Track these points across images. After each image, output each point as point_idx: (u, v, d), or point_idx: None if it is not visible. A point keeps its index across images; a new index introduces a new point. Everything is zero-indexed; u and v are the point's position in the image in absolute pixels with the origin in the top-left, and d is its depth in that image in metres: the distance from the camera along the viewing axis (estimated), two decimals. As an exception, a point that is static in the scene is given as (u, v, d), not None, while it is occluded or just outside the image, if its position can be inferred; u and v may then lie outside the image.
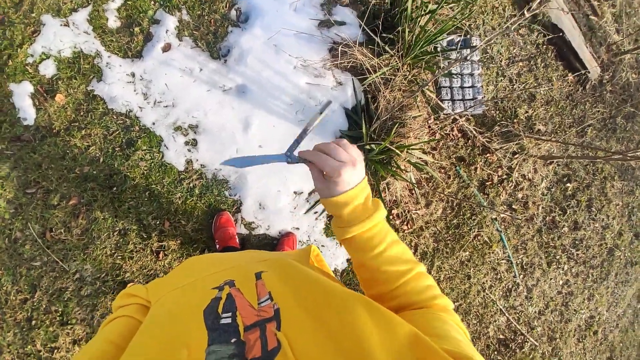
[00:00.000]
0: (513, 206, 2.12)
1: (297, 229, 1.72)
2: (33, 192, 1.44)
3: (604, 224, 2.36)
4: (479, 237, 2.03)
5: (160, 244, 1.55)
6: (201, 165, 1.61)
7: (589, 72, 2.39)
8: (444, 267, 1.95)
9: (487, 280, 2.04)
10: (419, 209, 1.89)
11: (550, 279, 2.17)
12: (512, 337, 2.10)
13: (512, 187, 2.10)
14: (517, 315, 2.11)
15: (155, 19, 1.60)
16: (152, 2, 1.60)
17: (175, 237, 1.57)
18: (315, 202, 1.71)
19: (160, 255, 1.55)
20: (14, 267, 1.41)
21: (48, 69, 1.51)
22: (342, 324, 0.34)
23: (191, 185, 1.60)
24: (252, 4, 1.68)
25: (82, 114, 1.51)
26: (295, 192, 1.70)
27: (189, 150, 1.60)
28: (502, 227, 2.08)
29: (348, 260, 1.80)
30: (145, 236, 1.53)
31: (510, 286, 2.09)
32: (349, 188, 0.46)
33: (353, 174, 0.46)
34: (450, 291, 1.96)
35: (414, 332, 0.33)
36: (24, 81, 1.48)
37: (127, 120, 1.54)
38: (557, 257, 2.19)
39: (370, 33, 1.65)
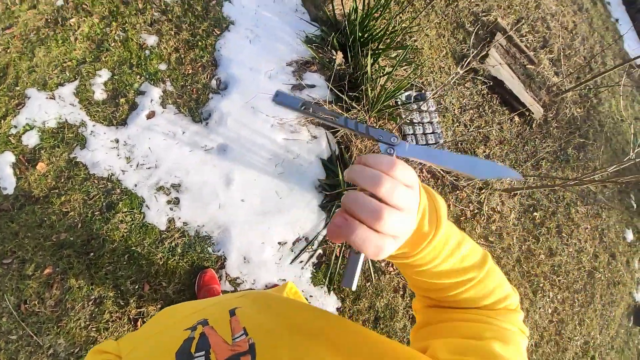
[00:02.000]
0: (489, 238, 2.21)
1: (284, 280, 1.70)
2: (9, 263, 1.38)
3: (577, 247, 2.49)
4: (463, 273, 2.06)
5: (139, 310, 1.47)
6: (183, 223, 1.62)
7: (532, 113, 2.74)
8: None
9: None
10: (401, 248, 1.94)
11: (540, 308, 2.19)
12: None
13: (484, 220, 2.22)
14: (514, 351, 2.06)
15: (141, 90, 1.74)
16: (138, 76, 1.75)
17: (155, 301, 1.50)
18: (300, 251, 1.73)
19: (139, 323, 1.46)
20: (-18, 346, 1.28)
21: (31, 139, 1.55)
22: (312, 350, 0.35)
23: (173, 244, 1.58)
24: (230, 74, 1.88)
25: (62, 180, 1.53)
26: (279, 243, 1.72)
27: (171, 209, 1.62)
28: (483, 260, 2.14)
29: (338, 309, 1.76)
30: (122, 303, 1.46)
31: (501, 320, 2.08)
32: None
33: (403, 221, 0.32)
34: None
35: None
36: (6, 151, 1.50)
37: (109, 183, 1.57)
38: (541, 285, 2.24)
39: (338, 93, 1.86)
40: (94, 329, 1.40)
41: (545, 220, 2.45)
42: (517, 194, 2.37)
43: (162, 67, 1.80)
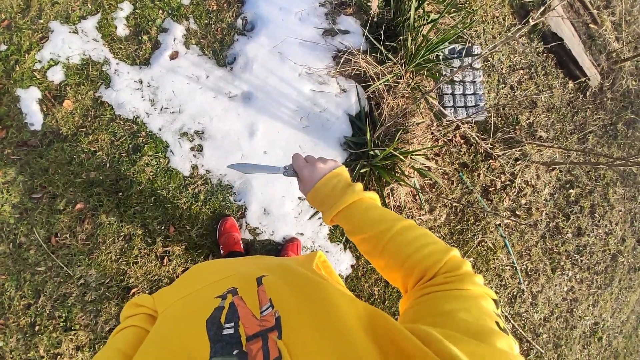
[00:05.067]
0: (516, 212, 2.12)
1: (302, 234, 1.72)
2: (39, 197, 1.45)
3: (607, 230, 2.36)
4: (483, 243, 2.02)
5: (165, 249, 1.55)
6: (206, 170, 1.62)
7: (589, 80, 2.42)
8: (448, 274, 1.94)
9: (492, 287, 2.03)
10: (423, 214, 1.89)
11: (555, 285, 2.16)
12: (518, 344, 2.08)
13: (515, 193, 2.10)
14: (523, 322, 2.09)
15: (164, 27, 1.63)
16: (160, 11, 1.63)
17: (179, 242, 1.57)
18: (320, 208, 1.72)
19: (165, 261, 1.55)
20: (18, 272, 1.41)
21: (56, 75, 1.53)
22: (336, 328, 0.35)
23: (196, 190, 1.60)
24: (258, 14, 1.71)
25: (89, 119, 1.53)
26: (299, 198, 1.71)
27: (195, 156, 1.61)
28: (506, 233, 2.08)
29: (352, 265, 1.80)
30: (150, 241, 1.53)
31: (515, 293, 2.07)
32: (312, 184, 0.59)
33: (313, 171, 0.60)
34: (455, 298, 1.95)
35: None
36: (32, 87, 1.50)
37: (134, 126, 1.56)
38: (562, 263, 2.18)
39: (374, 41, 1.68)
40: (124, 263, 1.50)
41: (581, 198, 2.29)
42: (556, 168, 2.20)
43: (185, 1, 1.66)
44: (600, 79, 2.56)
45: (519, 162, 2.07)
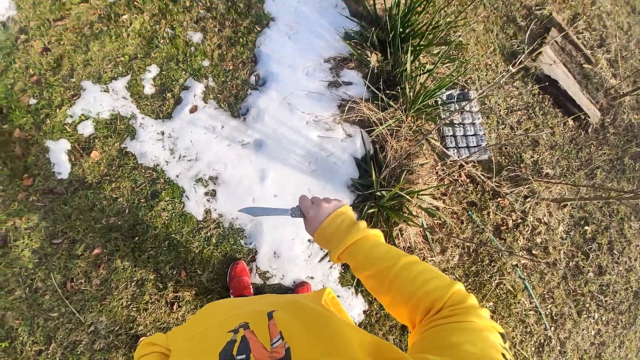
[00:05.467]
0: (533, 251, 2.06)
1: (312, 278, 1.70)
2: (59, 242, 1.51)
3: (627, 266, 2.24)
4: (501, 286, 1.94)
5: (176, 294, 1.55)
6: (219, 214, 1.68)
7: (588, 117, 2.49)
8: (467, 318, 1.84)
9: (516, 335, 1.90)
10: (435, 255, 1.86)
11: (582, 329, 2.01)
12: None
13: (528, 231, 2.06)
14: (554, 374, 1.91)
15: (186, 85, 1.82)
16: (183, 72, 1.83)
17: (190, 287, 1.58)
18: (329, 250, 1.72)
19: (175, 307, 1.54)
20: (32, 317, 1.42)
21: (86, 129, 1.68)
22: (344, 358, 0.37)
23: (209, 234, 1.65)
24: (269, 71, 1.90)
25: (113, 168, 1.64)
26: (309, 240, 1.72)
27: (208, 201, 1.68)
28: (525, 274, 2.00)
29: (365, 311, 1.74)
30: (161, 286, 1.54)
31: (542, 340, 1.93)
32: (318, 223, 0.63)
33: (318, 211, 0.63)
34: (476, 346, 1.83)
35: None
36: (62, 139, 1.64)
37: (154, 173, 1.66)
38: (587, 305, 2.05)
39: (375, 90, 1.81)
40: (134, 309, 1.50)
41: (597, 235, 2.23)
42: (567, 205, 2.17)
43: (206, 63, 1.86)
44: (601, 115, 2.62)
45: (528, 199, 2.06)
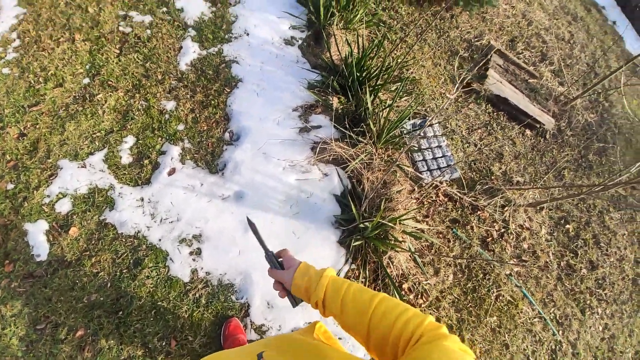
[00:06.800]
0: (523, 258, 2.08)
1: (309, 323, 1.64)
2: (42, 328, 1.43)
3: (619, 256, 2.29)
4: (500, 298, 1.93)
5: (167, 367, 1.45)
6: (206, 272, 1.64)
7: (543, 125, 2.70)
8: (476, 339, 1.79)
9: (527, 346, 1.85)
10: (428, 278, 1.85)
11: (590, 327, 1.99)
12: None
13: (514, 238, 2.11)
14: (575, 384, 1.83)
15: (162, 150, 1.88)
16: (159, 139, 1.91)
17: (182, 357, 1.48)
18: (323, 290, 1.68)
19: (167, 382, 1.43)
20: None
21: (64, 207, 1.67)
22: None
23: (197, 295, 1.59)
24: (242, 125, 2.01)
25: (93, 242, 1.62)
26: (301, 284, 1.69)
27: (194, 260, 1.66)
28: (520, 281, 2.01)
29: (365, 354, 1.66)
30: (151, 361, 1.45)
31: (553, 347, 1.88)
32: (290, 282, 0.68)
33: (284, 275, 0.70)
34: (491, 368, 1.76)
35: None
36: (40, 220, 1.62)
37: (135, 241, 1.64)
38: (588, 302, 2.05)
39: (343, 130, 1.94)
40: (123, 392, 1.38)
41: (580, 231, 2.30)
42: (543, 207, 2.26)
43: (180, 127, 1.96)
44: (555, 121, 2.86)
45: (506, 208, 2.14)
